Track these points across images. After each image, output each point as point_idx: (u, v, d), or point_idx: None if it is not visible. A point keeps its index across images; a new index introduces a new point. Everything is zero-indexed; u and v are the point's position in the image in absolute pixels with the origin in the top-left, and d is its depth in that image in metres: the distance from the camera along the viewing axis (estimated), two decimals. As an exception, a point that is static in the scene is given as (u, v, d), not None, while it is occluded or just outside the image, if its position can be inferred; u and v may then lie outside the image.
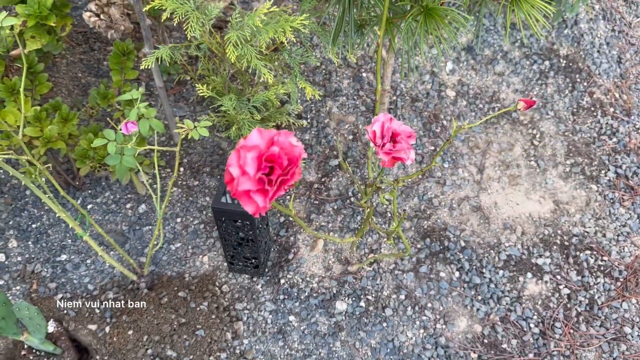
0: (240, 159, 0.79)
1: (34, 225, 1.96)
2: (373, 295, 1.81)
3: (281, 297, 1.82)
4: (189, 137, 1.37)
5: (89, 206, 2.01)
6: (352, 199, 2.01)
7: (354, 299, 1.80)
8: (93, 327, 1.75)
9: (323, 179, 2.07)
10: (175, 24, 1.74)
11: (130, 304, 1.75)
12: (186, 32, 1.57)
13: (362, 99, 2.27)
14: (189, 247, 1.93)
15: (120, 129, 1.35)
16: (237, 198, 0.81)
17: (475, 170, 2.11)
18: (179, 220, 1.99)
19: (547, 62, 2.43)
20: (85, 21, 1.98)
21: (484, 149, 2.17)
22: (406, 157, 1.13)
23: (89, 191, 2.03)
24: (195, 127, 1.38)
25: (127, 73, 1.92)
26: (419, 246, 1.92)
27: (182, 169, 2.11)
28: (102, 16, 1.96)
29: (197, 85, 1.83)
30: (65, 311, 1.78)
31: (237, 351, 1.73)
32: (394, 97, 2.25)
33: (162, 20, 2.02)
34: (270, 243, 1.84)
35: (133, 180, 1.94)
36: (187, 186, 2.06)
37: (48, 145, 1.77)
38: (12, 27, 1.92)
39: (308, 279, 1.84)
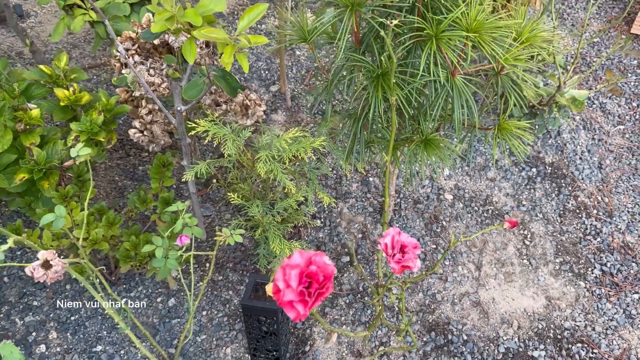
0: (285, 275, 1.04)
1: (72, 318, 2.16)
2: (383, 385, 1.98)
3: (299, 387, 1.99)
4: (226, 243, 1.63)
5: (123, 300, 2.22)
6: (365, 294, 2.23)
7: (365, 389, 1.97)
8: (125, 415, 1.91)
9: (336, 275, 2.30)
10: (206, 142, 2.05)
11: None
12: (222, 150, 1.87)
13: (370, 200, 2.55)
14: (214, 339, 2.13)
15: (173, 240, 1.60)
16: (282, 306, 1.05)
17: (474, 268, 2.34)
18: (204, 313, 2.19)
19: (534, 169, 2.73)
20: (130, 136, 2.31)
21: (481, 247, 2.42)
22: (413, 265, 1.38)
23: (124, 286, 2.26)
24: (231, 234, 1.64)
25: (165, 181, 2.22)
26: (425, 339, 2.11)
27: (207, 265, 2.34)
28: (145, 132, 2.29)
29: (228, 193, 2.12)
30: (99, 400, 1.95)
31: None
32: (398, 200, 2.53)
33: (198, 140, 2.35)
34: (288, 336, 2.03)
35: (167, 278, 2.17)
36: (212, 280, 2.29)
37: (94, 246, 2.03)
38: (65, 143, 2.24)
39: (323, 369, 2.02)
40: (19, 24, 2.79)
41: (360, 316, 2.17)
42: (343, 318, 2.17)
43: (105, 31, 2.71)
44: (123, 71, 2.09)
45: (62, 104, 2.27)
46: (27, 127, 2.19)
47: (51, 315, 2.17)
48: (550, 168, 2.75)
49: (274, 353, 1.92)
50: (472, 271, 2.34)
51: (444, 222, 2.48)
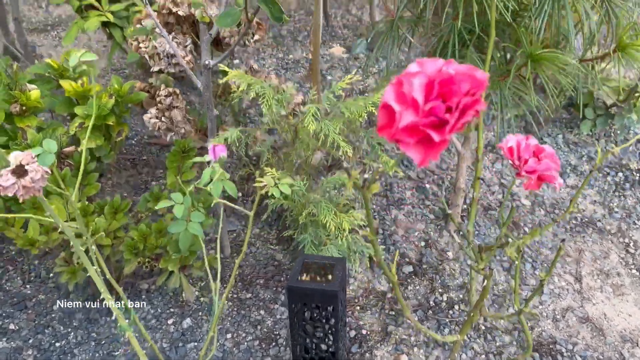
0: (402, 87, 0.64)
1: (57, 344, 1.68)
2: (480, 423, 1.43)
3: None
4: (270, 194, 1.22)
5: (126, 321, 1.74)
6: (438, 310, 1.74)
7: None
8: None
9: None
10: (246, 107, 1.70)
11: None
12: (263, 110, 1.51)
13: (430, 207, 2.13)
14: (242, 368, 1.62)
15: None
16: (397, 142, 0.63)
17: (573, 279, 1.86)
18: (229, 336, 1.70)
19: (620, 174, 2.32)
20: (145, 124, 1.97)
21: (577, 257, 1.94)
22: (555, 177, 0.95)
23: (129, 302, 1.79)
24: (276, 184, 1.23)
25: (185, 173, 1.83)
26: (526, 362, 1.58)
27: (234, 281, 1.88)
28: (163, 119, 1.95)
29: (257, 179, 1.72)
30: None
31: None
32: (465, 205, 2.11)
33: (239, 107, 2.00)
34: (346, 341, 1.52)
35: (183, 284, 1.71)
36: (238, 299, 1.82)
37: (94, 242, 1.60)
38: (67, 131, 1.90)
39: (393, 403, 1.49)
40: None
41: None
42: (413, 338, 1.66)
43: (121, 36, 2.48)
44: (143, 22, 1.80)
45: (67, 94, 1.96)
46: (24, 109, 1.87)
47: (30, 340, 1.68)
48: (638, 174, 2.33)
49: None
50: (572, 283, 1.85)
51: (525, 229, 2.04)
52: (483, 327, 1.69)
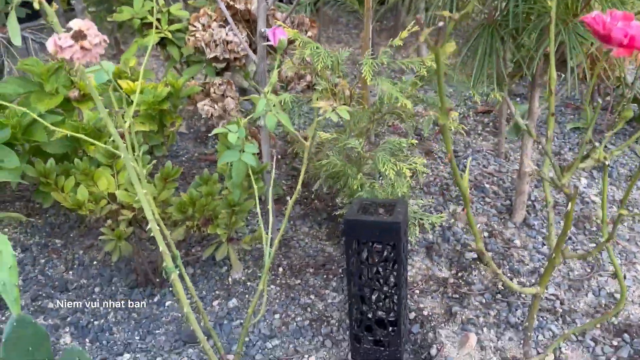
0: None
1: (96, 322, 1.59)
2: (568, 402, 1.24)
3: (427, 405, 1.27)
4: (327, 116, 1.16)
5: (168, 302, 1.66)
6: (507, 294, 1.58)
7: (539, 406, 1.23)
8: None
9: (459, 274, 1.68)
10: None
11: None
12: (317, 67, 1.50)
13: (491, 204, 2.01)
14: (290, 345, 1.48)
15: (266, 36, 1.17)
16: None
17: (658, 268, 1.67)
18: (277, 316, 1.58)
19: (699, 178, 2.15)
20: (199, 110, 1.99)
21: (659, 248, 1.76)
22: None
23: (170, 288, 1.71)
24: (334, 109, 1.19)
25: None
26: (614, 343, 1.39)
27: (280, 269, 1.78)
28: (215, 107, 1.97)
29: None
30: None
31: None
32: (529, 202, 1.98)
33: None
34: (405, 329, 1.38)
35: (230, 257, 1.62)
36: (287, 285, 1.71)
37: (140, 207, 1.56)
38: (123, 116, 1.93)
39: (463, 380, 1.31)
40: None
41: (508, 317, 1.49)
42: (482, 319, 1.49)
43: (179, 53, 2.59)
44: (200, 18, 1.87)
45: (124, 91, 2.02)
46: (83, 95, 1.93)
47: (69, 319, 1.61)
48: None
49: (391, 330, 1.26)
50: (658, 272, 1.66)
51: (598, 221, 1.88)
52: (560, 310, 1.51)
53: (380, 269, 1.21)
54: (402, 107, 1.40)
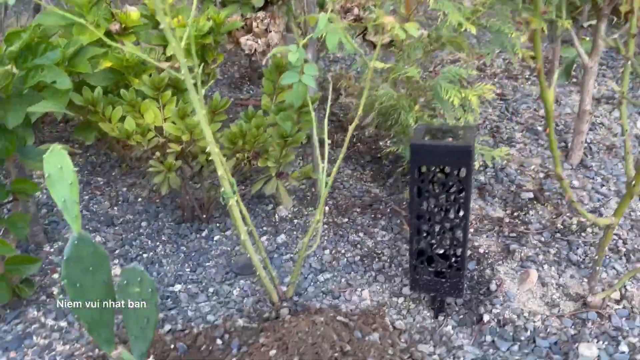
0: None
1: (145, 255, 1.59)
2: (638, 337, 1.19)
3: (487, 338, 1.24)
4: (395, 33, 1.10)
5: (216, 237, 1.64)
6: (567, 232, 1.53)
7: (608, 342, 1.19)
8: (209, 364, 1.23)
9: (515, 213, 1.63)
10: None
11: (270, 332, 1.25)
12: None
13: (545, 146, 1.93)
14: (342, 279, 1.46)
15: None
16: None
17: None
18: (326, 252, 1.56)
19: None
20: (242, 46, 1.93)
21: None
22: None
23: (217, 224, 1.70)
24: (401, 26, 1.12)
25: (280, 93, 1.75)
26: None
27: (326, 208, 1.75)
28: (259, 41, 1.91)
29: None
30: (172, 345, 1.29)
31: (430, 409, 1.12)
32: (585, 144, 1.90)
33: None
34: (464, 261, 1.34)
35: (279, 191, 1.59)
36: (334, 223, 1.68)
37: (189, 138, 1.53)
38: (164, 51, 1.88)
39: (526, 315, 1.27)
40: None
41: (568, 255, 1.45)
42: (542, 257, 1.45)
43: None
44: None
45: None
46: (124, 27, 1.87)
47: (117, 252, 1.61)
48: None
49: (454, 260, 1.23)
50: None
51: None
52: (624, 249, 1.46)
53: (446, 197, 1.17)
54: (460, 40, 1.32)
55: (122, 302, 1.09)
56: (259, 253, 1.30)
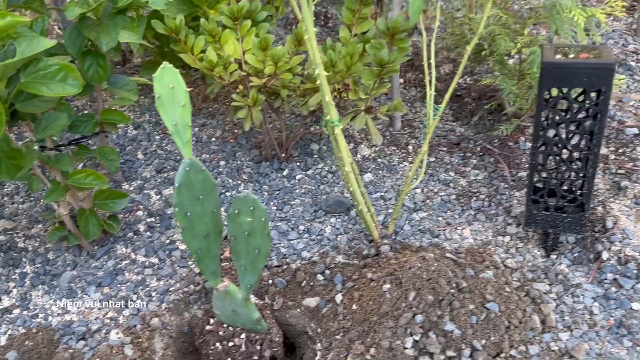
0: None
1: (227, 194, 1.55)
2: None
3: (608, 276, 1.17)
4: None
5: (299, 176, 1.59)
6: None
7: None
8: (311, 301, 1.19)
9: (620, 150, 1.53)
10: None
11: (375, 268, 1.20)
12: None
13: (641, 81, 1.81)
14: (439, 218, 1.40)
15: None
16: None
17: None
18: (418, 191, 1.49)
19: None
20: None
21: None
22: None
23: (298, 163, 1.64)
24: None
25: (360, 25, 1.64)
26: None
27: (410, 147, 1.67)
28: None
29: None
30: (270, 281, 1.25)
31: (555, 347, 1.06)
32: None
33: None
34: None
35: (368, 125, 1.52)
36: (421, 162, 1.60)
37: (273, 70, 1.45)
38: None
39: (648, 253, 1.20)
40: None
41: (686, 192, 1.36)
42: (655, 194, 1.36)
43: None
44: None
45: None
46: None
47: (198, 190, 1.56)
48: None
49: (579, 193, 1.15)
50: None
51: None
52: None
53: (577, 124, 1.08)
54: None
55: (232, 232, 1.05)
56: (354, 188, 1.23)
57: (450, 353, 1.01)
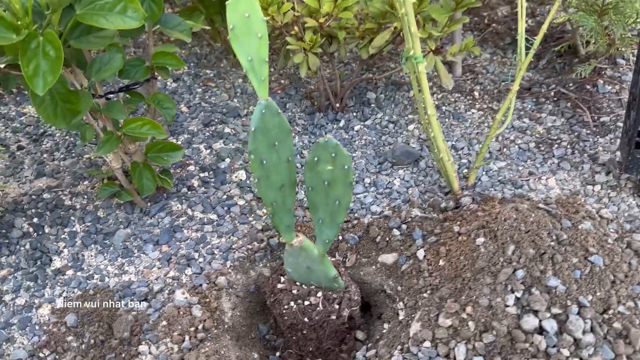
0: None
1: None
2: None
3: None
4: None
5: (357, 127, 1.48)
6: None
7: None
8: (388, 257, 1.10)
9: None
10: None
11: (460, 221, 1.10)
12: None
13: None
14: (519, 167, 1.29)
15: None
16: None
17: None
18: (493, 139, 1.38)
19: None
20: None
21: None
22: None
23: (354, 113, 1.53)
24: None
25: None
26: None
27: (475, 94, 1.56)
28: None
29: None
30: (340, 237, 1.17)
31: (668, 304, 0.96)
32: None
33: None
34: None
35: (437, 67, 1.40)
36: (491, 109, 1.49)
37: (331, 8, 1.33)
38: None
39: None
40: None
41: None
42: None
43: None
44: None
45: None
46: None
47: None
48: None
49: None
50: None
51: None
52: None
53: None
54: None
55: (310, 182, 0.96)
56: (431, 136, 1.13)
57: (555, 310, 0.92)
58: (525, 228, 0.99)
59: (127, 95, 1.20)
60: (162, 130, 1.11)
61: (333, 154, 0.92)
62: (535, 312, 0.92)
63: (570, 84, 1.52)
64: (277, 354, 1.10)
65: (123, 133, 1.11)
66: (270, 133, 0.91)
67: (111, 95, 1.18)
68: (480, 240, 0.99)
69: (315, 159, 0.93)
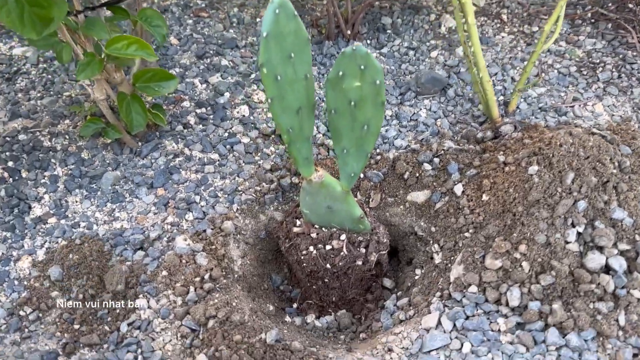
0: None
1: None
2: None
3: None
4: None
5: (374, 54, 1.32)
6: None
7: None
8: (419, 195, 0.97)
9: None
10: None
11: (504, 150, 0.96)
12: None
13: None
14: (561, 93, 1.15)
15: None
16: None
17: None
18: (526, 63, 1.23)
19: None
20: None
21: None
22: None
23: (368, 41, 1.37)
24: None
25: None
26: None
27: (504, 17, 1.40)
28: None
29: None
30: (362, 175, 1.03)
31: None
32: None
33: None
34: None
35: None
36: (522, 33, 1.33)
37: None
38: None
39: None
40: None
41: None
42: None
43: None
44: None
45: None
46: None
47: (252, 76, 1.31)
48: None
49: None
50: None
51: None
52: None
53: None
54: None
55: (332, 104, 0.81)
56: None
57: (623, 246, 0.79)
58: (585, 154, 0.85)
59: (110, 12, 1.03)
60: (151, 51, 0.95)
61: (362, 66, 0.77)
62: (601, 249, 0.79)
63: (610, 4, 1.37)
64: (295, 305, 0.98)
65: (106, 54, 0.94)
66: (285, 40, 0.76)
67: (90, 13, 1.01)
68: (534, 168, 0.85)
69: (340, 73, 0.78)
